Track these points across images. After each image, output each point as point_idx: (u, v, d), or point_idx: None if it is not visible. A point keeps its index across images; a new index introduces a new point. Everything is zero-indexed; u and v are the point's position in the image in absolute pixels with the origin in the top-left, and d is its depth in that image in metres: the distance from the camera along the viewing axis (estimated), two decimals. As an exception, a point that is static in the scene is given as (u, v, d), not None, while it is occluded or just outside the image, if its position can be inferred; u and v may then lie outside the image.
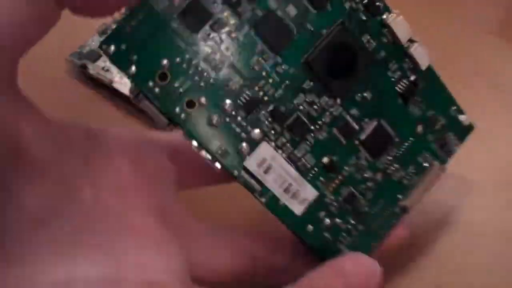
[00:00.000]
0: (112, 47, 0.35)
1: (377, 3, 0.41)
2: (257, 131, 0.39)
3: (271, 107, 0.39)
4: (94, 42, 0.67)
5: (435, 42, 0.42)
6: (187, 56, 0.37)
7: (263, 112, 0.39)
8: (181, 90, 0.37)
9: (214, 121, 0.38)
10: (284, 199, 0.41)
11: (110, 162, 0.39)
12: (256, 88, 0.39)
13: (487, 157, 0.55)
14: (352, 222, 0.43)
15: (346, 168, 0.42)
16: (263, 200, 0.41)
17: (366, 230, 0.44)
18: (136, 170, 0.41)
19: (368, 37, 0.41)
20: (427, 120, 0.44)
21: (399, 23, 0.41)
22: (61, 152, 0.36)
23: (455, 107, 0.46)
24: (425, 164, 0.45)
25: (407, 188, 0.45)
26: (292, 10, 0.39)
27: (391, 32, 0.41)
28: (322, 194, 0.42)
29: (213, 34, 0.37)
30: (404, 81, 0.43)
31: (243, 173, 0.40)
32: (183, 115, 0.37)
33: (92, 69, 0.63)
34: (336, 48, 0.40)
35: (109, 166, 0.39)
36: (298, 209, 0.42)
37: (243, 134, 0.39)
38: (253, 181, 0.40)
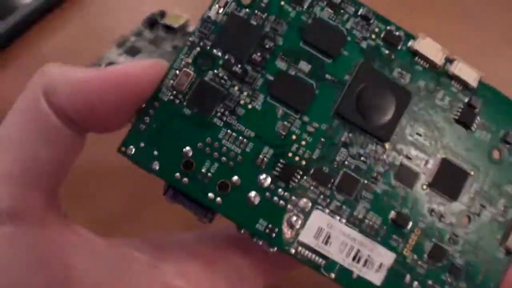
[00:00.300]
0: (132, 148, 0.35)
1: (397, 33, 0.37)
2: (304, 200, 0.36)
3: (312, 171, 0.36)
4: (112, 53, 0.64)
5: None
6: (208, 139, 0.35)
7: (305, 177, 0.36)
8: (210, 174, 0.35)
9: (253, 199, 0.35)
10: (357, 270, 0.36)
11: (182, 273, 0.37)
12: (290, 155, 0.36)
13: None
14: (449, 280, 0.37)
15: (420, 219, 0.37)
16: (332, 275, 0.36)
17: (470, 286, 0.37)
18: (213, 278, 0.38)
19: (399, 70, 0.37)
20: (502, 140, 0.38)
21: (429, 46, 0.37)
22: (116, 274, 0.35)
23: None
24: (520, 193, 0.38)
25: (505, 226, 0.38)
26: (305, 66, 0.37)
27: (423, 57, 0.37)
28: (401, 255, 0.36)
29: (227, 112, 0.36)
30: (458, 105, 0.38)
31: (300, 249, 0.36)
32: (218, 199, 0.35)
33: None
34: (365, 91, 0.36)
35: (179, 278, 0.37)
36: (376, 278, 0.36)
37: (290, 206, 0.36)
38: (314, 256, 0.36)
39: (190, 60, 0.36)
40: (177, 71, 0.35)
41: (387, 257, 0.36)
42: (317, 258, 0.36)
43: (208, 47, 0.36)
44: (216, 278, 0.37)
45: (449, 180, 0.37)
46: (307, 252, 0.35)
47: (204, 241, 0.39)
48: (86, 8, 0.57)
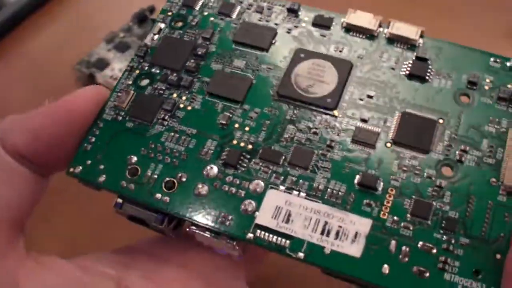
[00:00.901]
0: (79, 167, 0.35)
1: (327, 16, 0.38)
2: (255, 182, 0.33)
3: (260, 151, 0.34)
4: (102, 49, 0.61)
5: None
6: (151, 144, 0.35)
7: (253, 160, 0.34)
8: (155, 176, 0.34)
9: (202, 191, 0.33)
10: (328, 244, 0.31)
11: None
12: (235, 142, 0.34)
13: None
14: (445, 237, 0.30)
15: (392, 177, 0.32)
16: (300, 255, 0.31)
17: (474, 242, 0.30)
18: None
19: (335, 45, 0.37)
20: (467, 84, 0.34)
21: (360, 17, 0.37)
22: None
23: None
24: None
25: (496, 167, 0.32)
26: (239, 63, 0.37)
27: (358, 29, 0.37)
28: (378, 219, 0.31)
29: (168, 116, 0.36)
30: (406, 62, 0.35)
31: (260, 233, 0.31)
32: (165, 198, 0.33)
33: (100, 77, 0.59)
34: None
35: None
36: (354, 250, 0.30)
37: (241, 192, 0.33)
38: (276, 238, 0.31)
39: (130, 82, 0.37)
40: (119, 93, 0.37)
41: (361, 225, 0.31)
42: (279, 239, 0.31)
43: (146, 67, 0.38)
44: (188, 277, 0.34)
45: (415, 132, 0.33)
46: (267, 235, 0.31)
47: (173, 244, 0.36)
48: (75, 4, 0.56)
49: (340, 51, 0.37)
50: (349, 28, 0.37)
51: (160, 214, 0.33)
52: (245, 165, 0.34)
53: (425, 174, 0.32)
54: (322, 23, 0.38)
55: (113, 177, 0.34)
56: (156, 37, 0.39)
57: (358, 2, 0.42)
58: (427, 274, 0.30)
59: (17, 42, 0.55)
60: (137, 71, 0.38)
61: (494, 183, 0.31)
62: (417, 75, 0.35)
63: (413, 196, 0.31)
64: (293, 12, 0.39)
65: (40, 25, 0.55)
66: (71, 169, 0.35)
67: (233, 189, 0.33)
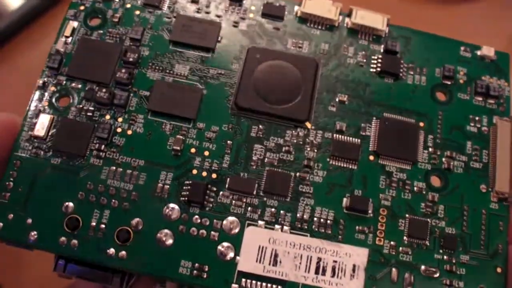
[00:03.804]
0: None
1: (277, 4, 0.32)
2: (229, 219, 0.28)
3: (228, 181, 0.28)
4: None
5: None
6: (89, 185, 0.28)
7: (222, 192, 0.28)
8: (102, 226, 0.27)
9: (164, 239, 0.27)
10: (327, 284, 0.27)
11: None
12: (195, 172, 0.29)
13: None
14: (446, 257, 0.28)
15: (381, 196, 0.29)
16: (297, 302, 0.27)
17: (474, 258, 0.28)
18: None
19: (293, 40, 0.32)
20: (442, 78, 0.32)
21: (317, 5, 0.32)
22: None
23: None
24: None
25: (485, 172, 0.30)
26: (182, 69, 0.31)
27: (316, 19, 0.32)
28: (374, 247, 0.28)
29: (104, 146, 0.29)
30: (375, 56, 0.31)
31: (245, 282, 0.27)
32: (121, 254, 0.27)
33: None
34: (262, 74, 0.30)
35: None
36: (355, 286, 0.27)
37: (214, 234, 0.28)
38: (266, 285, 0.27)
39: (46, 103, 0.29)
40: (34, 120, 0.29)
41: (358, 256, 0.28)
42: (270, 286, 0.27)
43: (64, 82, 0.30)
44: None
45: (397, 139, 0.30)
46: (255, 283, 0.27)
47: None
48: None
49: (300, 47, 0.31)
50: (305, 18, 0.32)
51: (118, 274, 0.27)
52: (212, 199, 0.28)
53: (415, 188, 0.29)
54: (273, 13, 0.32)
55: (47, 233, 0.27)
56: (70, 40, 0.31)
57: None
58: (434, 301, 0.27)
59: (11, 54, 0.48)
60: (53, 88, 0.30)
61: (484, 189, 0.29)
62: (389, 71, 0.31)
63: (407, 215, 0.28)
64: (236, 1, 0.32)
65: (33, 39, 0.49)
66: (-14, 226, 0.27)
67: (204, 232, 0.27)
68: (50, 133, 0.29)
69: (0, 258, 0.37)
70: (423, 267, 0.28)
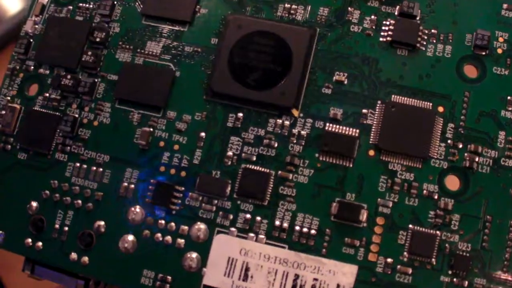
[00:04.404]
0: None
1: None
2: (198, 225, 0.25)
3: (198, 181, 0.25)
4: None
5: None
6: (53, 183, 0.26)
7: (191, 194, 0.25)
8: (66, 228, 0.25)
9: (127, 245, 0.25)
10: (303, 305, 0.23)
11: None
12: (162, 169, 0.25)
13: None
14: (455, 280, 0.22)
15: (379, 201, 0.23)
16: (268, 325, 0.23)
17: (493, 282, 0.22)
18: None
19: (286, 4, 0.26)
20: (473, 48, 0.24)
21: None
22: None
23: None
24: None
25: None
26: (154, 47, 0.26)
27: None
28: (365, 263, 0.23)
29: (69, 139, 0.26)
30: (387, 22, 0.25)
31: (210, 299, 0.24)
32: (83, 259, 0.25)
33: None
34: (243, 50, 0.25)
35: None
36: (337, 310, 0.23)
37: (179, 241, 0.24)
38: (233, 303, 0.24)
39: (15, 91, 0.27)
40: (2, 111, 0.27)
41: (344, 274, 0.23)
42: (238, 304, 0.24)
43: (32, 68, 0.27)
44: None
45: (406, 129, 0.24)
46: (220, 300, 0.24)
47: None
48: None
49: (292, 14, 0.26)
50: (302, -25, 0.26)
51: (82, 279, 0.25)
52: (180, 201, 0.25)
53: (424, 191, 0.23)
54: (262, -29, 0.27)
55: (13, 233, 0.26)
56: (39, 19, 0.28)
57: None
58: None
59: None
60: (21, 74, 0.28)
61: (515, 191, 0.23)
62: (404, 41, 0.25)
63: (410, 226, 0.23)
64: (219, -42, 0.27)
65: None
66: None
67: (169, 238, 0.24)
68: (18, 125, 0.27)
69: (2, 257, 0.37)
70: (426, 293, 0.23)
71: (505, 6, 0.25)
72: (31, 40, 0.28)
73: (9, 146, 0.27)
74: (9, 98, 0.27)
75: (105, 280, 0.25)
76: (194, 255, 0.24)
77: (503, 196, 0.23)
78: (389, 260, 0.23)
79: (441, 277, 0.23)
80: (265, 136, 0.25)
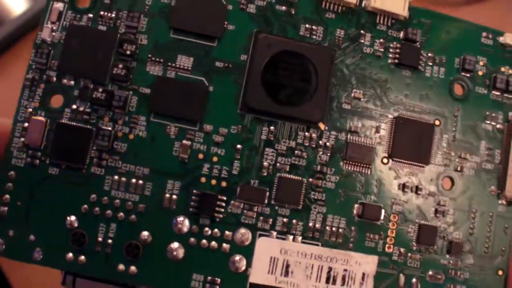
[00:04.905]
0: (1, 243, 0.26)
1: None
2: (241, 230, 0.27)
3: (238, 190, 0.27)
4: None
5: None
6: (92, 197, 0.26)
7: (232, 202, 0.27)
8: (110, 241, 0.26)
9: (175, 253, 0.27)
10: (336, 293, 0.28)
11: None
12: (203, 180, 0.27)
13: None
14: (451, 262, 0.28)
15: (393, 201, 0.28)
16: (308, 311, 0.28)
17: (478, 261, 0.29)
18: None
19: (306, 25, 0.29)
20: (460, 70, 0.30)
21: None
22: None
23: None
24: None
25: (495, 173, 0.29)
26: (185, 61, 0.28)
27: (331, 1, 0.29)
28: (384, 254, 0.28)
29: (105, 153, 0.26)
30: (393, 45, 0.29)
31: (257, 294, 0.27)
32: (132, 269, 0.26)
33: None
34: (273, 67, 0.28)
35: None
36: (364, 293, 0.28)
37: (225, 246, 0.27)
38: (277, 296, 0.27)
39: (37, 104, 0.27)
40: (25, 123, 0.26)
41: (368, 264, 0.28)
42: (281, 296, 0.27)
43: (55, 79, 0.27)
44: None
45: (412, 141, 0.29)
46: (266, 294, 0.27)
47: None
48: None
49: (313, 34, 0.29)
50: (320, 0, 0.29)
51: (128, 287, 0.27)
52: (223, 210, 0.27)
53: (427, 191, 0.29)
54: (284, -7, 0.29)
55: (52, 250, 0.26)
56: (56, 27, 0.27)
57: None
58: (438, 305, 0.28)
59: (18, 57, 0.46)
60: (42, 85, 0.27)
61: (493, 192, 0.29)
62: (407, 64, 0.29)
63: (417, 220, 0.28)
64: (243, -23, 0.28)
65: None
66: (-14, 248, 0.26)
67: (215, 244, 0.27)
68: (45, 139, 0.26)
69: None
70: (430, 272, 0.28)
71: (484, 34, 0.30)
72: (50, 49, 0.27)
73: (38, 161, 0.26)
74: (31, 110, 0.26)
75: (156, 286, 0.26)
76: (238, 257, 0.27)
77: (484, 194, 0.29)
78: (402, 249, 0.28)
79: (441, 260, 0.29)
80: (296, 148, 0.28)
